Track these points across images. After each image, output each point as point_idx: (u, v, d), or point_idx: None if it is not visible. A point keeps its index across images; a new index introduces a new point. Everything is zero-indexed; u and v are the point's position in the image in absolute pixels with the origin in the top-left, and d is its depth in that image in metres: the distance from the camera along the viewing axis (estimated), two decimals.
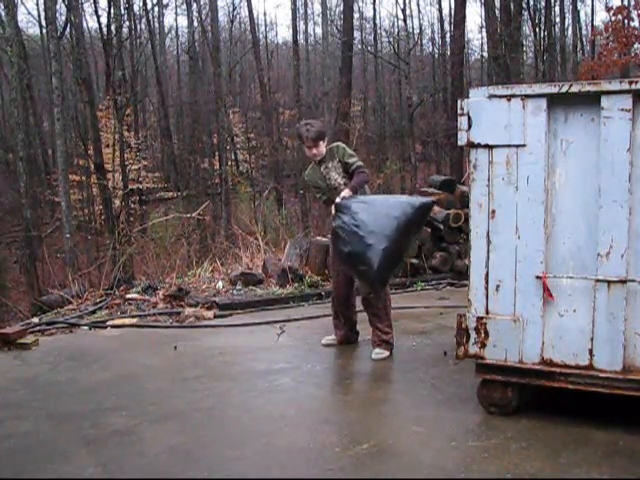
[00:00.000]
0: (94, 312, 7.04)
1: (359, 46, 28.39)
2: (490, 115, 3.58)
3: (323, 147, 5.13)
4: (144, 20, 28.26)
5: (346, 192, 4.85)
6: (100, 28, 24.70)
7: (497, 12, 20.26)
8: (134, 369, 4.98)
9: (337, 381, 4.80)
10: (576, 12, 28.82)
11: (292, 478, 3.16)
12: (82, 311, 7.09)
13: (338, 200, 4.78)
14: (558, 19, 28.16)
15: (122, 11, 23.45)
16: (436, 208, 8.68)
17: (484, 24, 25.85)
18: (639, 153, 3.35)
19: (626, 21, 15.58)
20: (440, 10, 31.24)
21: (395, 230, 4.50)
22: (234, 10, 37.60)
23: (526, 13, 23.26)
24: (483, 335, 3.68)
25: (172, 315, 6.78)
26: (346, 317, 5.40)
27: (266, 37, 38.76)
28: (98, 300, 7.50)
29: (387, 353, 5.05)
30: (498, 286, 3.64)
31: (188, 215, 14.56)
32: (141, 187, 24.95)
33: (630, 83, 3.32)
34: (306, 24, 37.96)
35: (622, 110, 3.33)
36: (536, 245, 3.55)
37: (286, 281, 7.75)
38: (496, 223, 3.62)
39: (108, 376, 4.80)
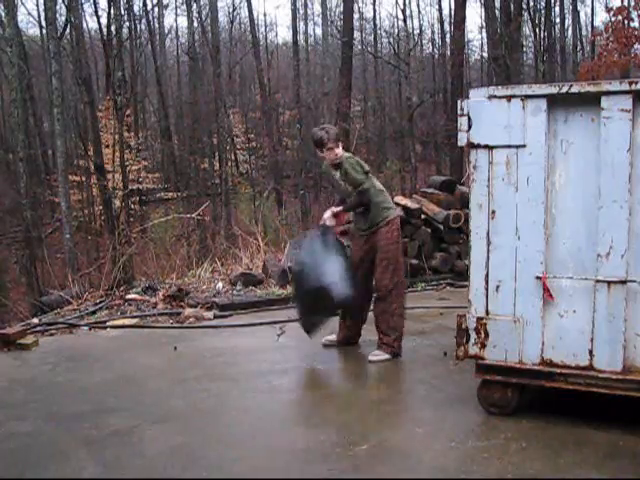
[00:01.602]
0: (94, 312, 7.04)
1: (359, 47, 28.39)
2: (490, 116, 3.58)
3: (340, 150, 5.05)
4: (144, 20, 28.28)
5: (328, 213, 5.09)
6: (100, 28, 24.73)
7: (497, 12, 20.27)
8: (134, 370, 4.98)
9: (337, 381, 4.80)
10: (576, 13, 28.84)
11: (292, 478, 3.17)
12: (82, 311, 7.09)
13: (322, 222, 5.13)
14: (558, 19, 28.17)
15: (122, 11, 23.42)
16: (436, 208, 8.69)
17: (484, 24, 25.89)
18: (639, 153, 3.35)
19: (626, 21, 15.55)
20: (440, 11, 31.25)
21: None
22: (234, 10, 37.59)
23: (526, 13, 23.24)
24: (483, 335, 3.68)
25: (172, 316, 6.78)
26: (352, 319, 5.33)
27: (266, 38, 38.77)
28: (98, 300, 7.50)
29: (385, 355, 4.97)
30: (498, 287, 3.65)
31: (188, 215, 14.55)
32: (141, 187, 24.95)
33: (630, 83, 3.32)
34: (306, 25, 37.94)
35: (622, 110, 3.33)
36: (536, 246, 3.55)
37: (286, 281, 7.75)
38: (496, 224, 3.62)
39: (108, 377, 4.80)
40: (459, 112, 3.67)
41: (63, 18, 23.05)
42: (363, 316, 5.33)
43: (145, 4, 27.86)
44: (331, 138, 4.99)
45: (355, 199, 5.05)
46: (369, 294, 5.19)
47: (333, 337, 5.45)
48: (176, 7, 48.82)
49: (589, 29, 31.00)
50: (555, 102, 3.49)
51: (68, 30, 21.35)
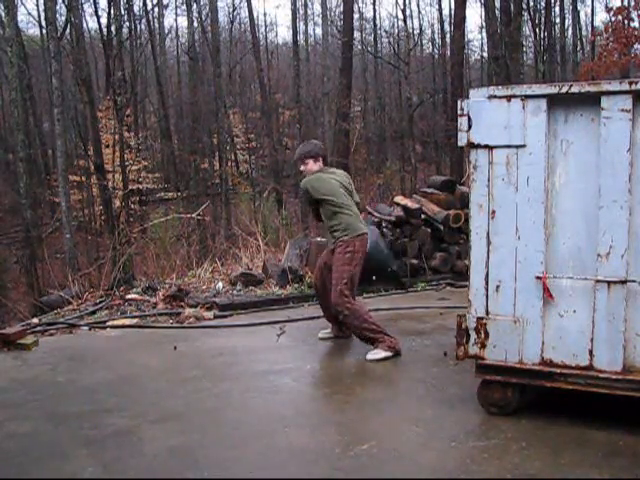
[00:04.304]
0: (94, 312, 7.03)
1: (359, 46, 28.41)
2: (490, 116, 3.58)
3: (312, 165, 5.40)
4: (144, 20, 28.27)
5: None
6: (100, 28, 24.75)
7: (497, 12, 20.27)
8: (134, 370, 4.98)
9: (337, 381, 4.79)
10: (576, 12, 28.83)
11: (292, 478, 3.17)
12: (82, 311, 7.09)
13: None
14: (558, 19, 28.17)
15: (122, 11, 23.46)
16: (436, 208, 8.69)
17: (484, 24, 25.88)
18: (639, 153, 3.35)
19: (626, 21, 15.55)
20: (440, 11, 31.27)
21: None
22: (234, 10, 37.69)
23: (526, 13, 23.24)
24: (483, 335, 3.68)
25: (172, 315, 6.78)
26: (328, 313, 5.56)
27: (266, 38, 38.79)
28: (98, 300, 7.50)
29: (383, 353, 5.00)
30: (498, 286, 3.65)
31: (188, 215, 14.54)
32: (141, 187, 24.95)
33: (630, 83, 3.32)
34: (306, 25, 37.92)
35: (622, 110, 3.33)
36: (536, 245, 3.55)
37: (286, 281, 7.75)
38: (496, 224, 3.62)
39: (108, 377, 4.80)
40: (459, 112, 3.66)
41: (63, 18, 23.08)
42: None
43: (145, 4, 27.86)
44: (294, 158, 5.71)
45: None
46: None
47: (329, 330, 5.67)
48: (176, 7, 48.97)
49: (589, 29, 31.05)
50: (555, 102, 3.49)
51: (68, 30, 21.35)
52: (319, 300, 5.74)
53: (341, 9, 25.89)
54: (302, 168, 5.48)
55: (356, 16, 27.50)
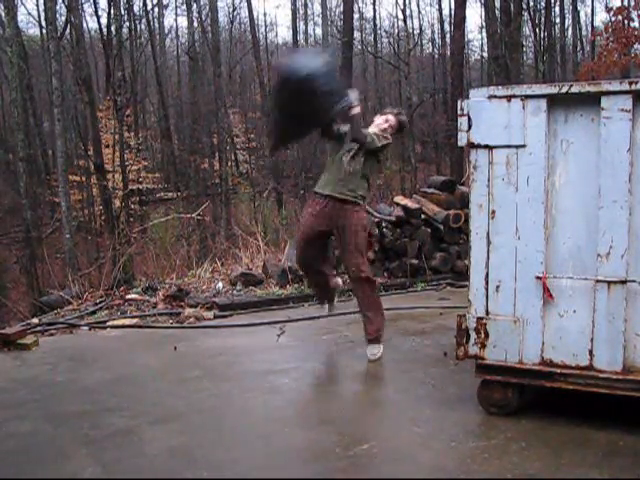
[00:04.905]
0: (94, 312, 7.03)
1: (359, 46, 28.44)
2: (490, 116, 3.58)
3: (395, 127, 5.12)
4: (144, 20, 28.29)
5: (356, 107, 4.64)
6: (100, 28, 24.77)
7: (497, 12, 20.29)
8: (134, 370, 4.98)
9: (337, 381, 4.80)
10: (576, 12, 28.86)
11: (292, 478, 3.17)
12: (82, 311, 7.08)
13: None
14: (558, 19, 28.22)
15: (122, 11, 23.48)
16: (436, 208, 8.69)
17: (484, 24, 25.91)
18: (639, 153, 3.35)
19: (626, 21, 15.56)
20: (440, 11, 31.33)
21: None
22: (234, 10, 37.72)
23: (526, 13, 23.26)
24: (483, 336, 3.68)
25: (172, 315, 6.78)
26: (316, 278, 5.38)
27: (266, 37, 38.83)
28: (98, 300, 7.49)
29: (380, 348, 5.02)
30: (498, 286, 3.65)
31: (188, 215, 14.55)
32: (141, 187, 24.97)
33: (630, 83, 3.32)
34: (306, 25, 38.02)
35: (622, 110, 3.33)
36: (536, 245, 3.55)
37: (286, 281, 7.75)
38: (496, 224, 3.62)
39: (108, 377, 4.80)
40: (459, 112, 3.66)
41: (63, 18, 23.11)
42: (320, 268, 5.25)
43: (145, 4, 27.90)
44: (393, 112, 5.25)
45: (361, 131, 4.78)
46: (326, 259, 5.30)
47: (325, 307, 5.61)
48: (176, 7, 49.03)
49: (589, 29, 31.06)
50: (555, 102, 3.49)
51: (68, 30, 21.37)
52: (310, 263, 5.16)
53: (341, 9, 25.94)
54: (390, 118, 5.11)
55: (356, 16, 27.57)
